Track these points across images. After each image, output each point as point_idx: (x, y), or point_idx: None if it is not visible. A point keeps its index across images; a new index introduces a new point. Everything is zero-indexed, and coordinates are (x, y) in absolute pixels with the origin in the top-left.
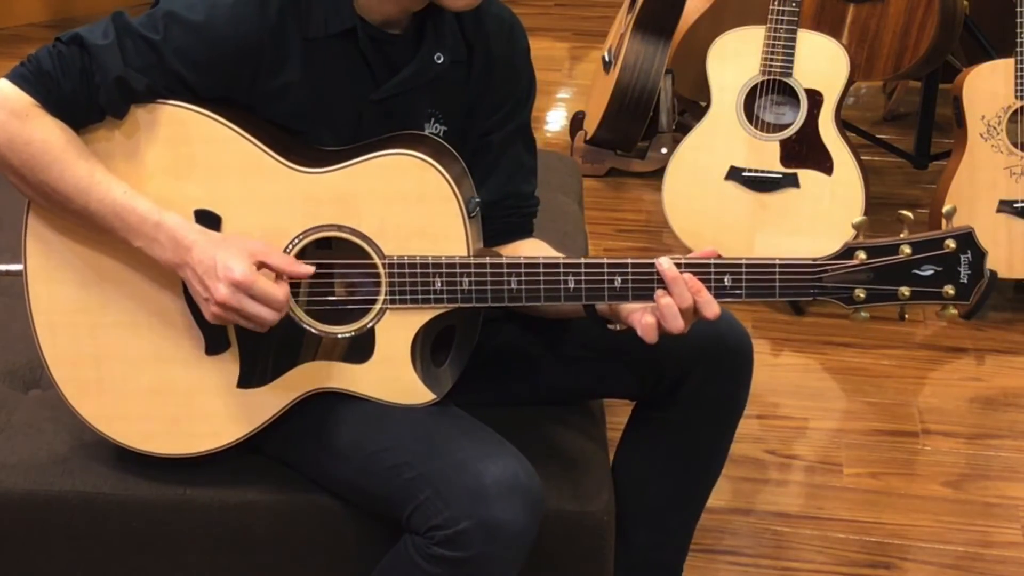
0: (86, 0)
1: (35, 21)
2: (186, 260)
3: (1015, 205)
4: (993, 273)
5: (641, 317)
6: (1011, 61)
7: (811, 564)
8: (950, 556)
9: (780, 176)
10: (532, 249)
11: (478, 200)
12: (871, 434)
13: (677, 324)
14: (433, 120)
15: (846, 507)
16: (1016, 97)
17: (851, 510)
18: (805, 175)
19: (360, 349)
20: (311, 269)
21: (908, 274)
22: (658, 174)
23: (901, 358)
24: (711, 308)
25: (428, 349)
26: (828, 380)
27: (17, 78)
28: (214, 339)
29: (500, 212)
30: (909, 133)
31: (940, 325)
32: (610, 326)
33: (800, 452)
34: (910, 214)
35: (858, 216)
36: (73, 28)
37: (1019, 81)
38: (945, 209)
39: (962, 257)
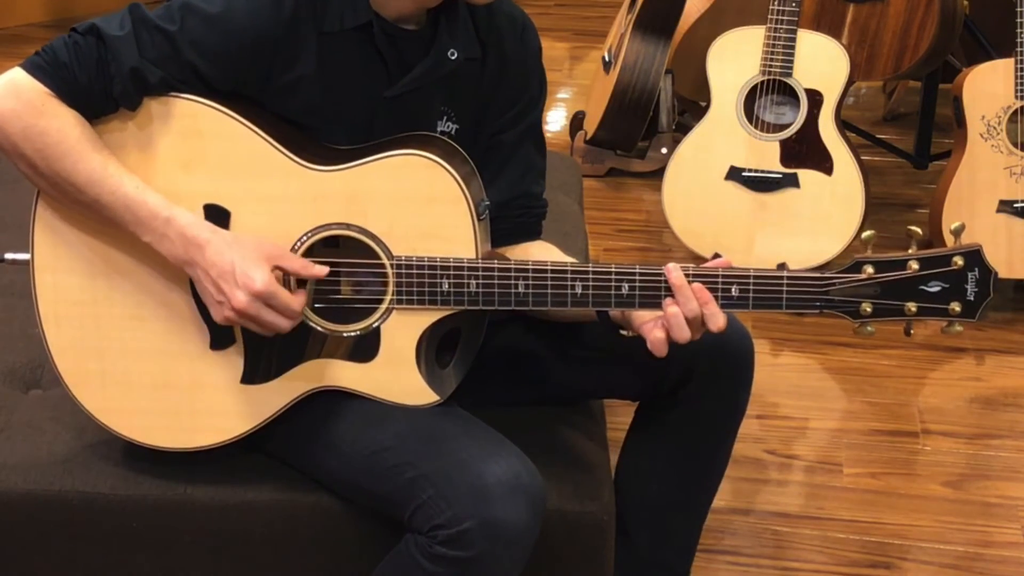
0: (86, 0)
1: (35, 21)
2: (197, 259)
3: (1015, 205)
4: (993, 273)
5: (652, 331)
6: (1011, 61)
7: (811, 564)
8: (950, 556)
9: (780, 176)
10: (541, 252)
11: (488, 202)
12: (871, 434)
13: (683, 334)
14: (446, 119)
15: (846, 507)
16: (1016, 97)
17: (851, 510)
18: (805, 175)
19: (365, 348)
20: (325, 270)
21: (915, 290)
22: (658, 174)
23: (901, 358)
24: (716, 321)
25: (433, 350)
26: (828, 380)
27: (32, 68)
28: (219, 334)
29: (511, 212)
30: (909, 133)
31: (943, 333)
32: (621, 331)
33: (800, 452)
34: (919, 230)
35: (858, 216)
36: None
37: (1019, 81)
38: (954, 226)
39: (969, 275)
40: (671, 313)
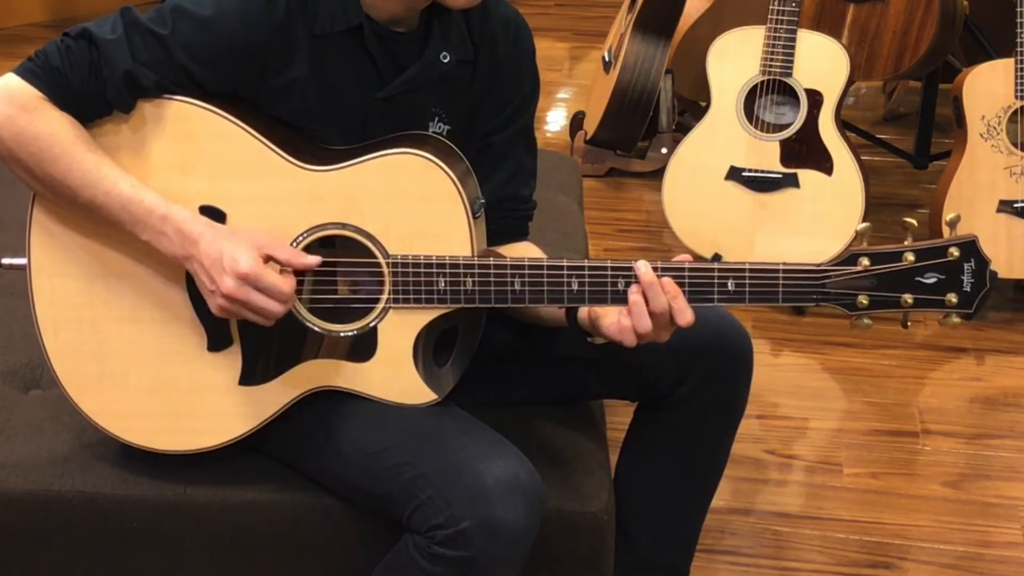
0: (86, 0)
1: (35, 21)
2: (192, 253)
3: (1015, 205)
4: (993, 273)
5: (616, 321)
6: (1011, 61)
7: (811, 564)
8: (950, 556)
9: (780, 176)
10: (523, 252)
11: (483, 200)
12: (871, 434)
13: (644, 323)
14: (437, 119)
15: (846, 507)
16: (1016, 97)
17: (851, 510)
18: (805, 175)
19: (362, 348)
20: (317, 259)
21: (911, 281)
22: (658, 174)
23: (901, 358)
24: (684, 316)
25: (430, 349)
26: (828, 380)
27: (25, 72)
28: (217, 336)
29: (496, 214)
30: (909, 133)
31: (940, 325)
32: (590, 339)
33: (800, 452)
34: (914, 221)
35: (858, 216)
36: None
37: (1019, 81)
38: (949, 217)
39: (965, 266)
40: (633, 301)
